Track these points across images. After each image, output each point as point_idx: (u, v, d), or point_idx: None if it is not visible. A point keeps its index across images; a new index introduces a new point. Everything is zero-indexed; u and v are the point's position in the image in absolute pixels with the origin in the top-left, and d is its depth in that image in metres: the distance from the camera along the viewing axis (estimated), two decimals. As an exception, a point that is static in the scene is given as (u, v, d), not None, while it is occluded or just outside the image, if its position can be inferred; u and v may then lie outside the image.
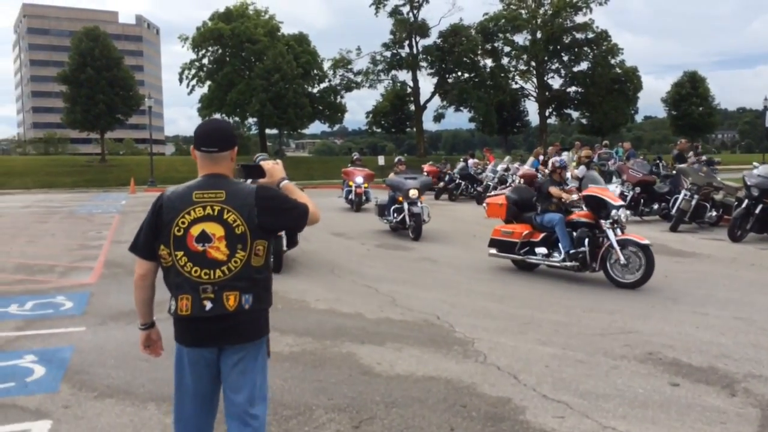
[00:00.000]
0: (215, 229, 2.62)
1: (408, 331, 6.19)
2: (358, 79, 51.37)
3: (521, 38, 52.79)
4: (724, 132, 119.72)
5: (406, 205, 13.16)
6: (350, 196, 18.86)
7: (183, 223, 2.63)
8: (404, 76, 52.41)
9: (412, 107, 52.88)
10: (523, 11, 51.83)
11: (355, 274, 9.13)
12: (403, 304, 7.21)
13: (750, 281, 8.51)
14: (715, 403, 4.40)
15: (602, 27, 53.03)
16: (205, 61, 48.45)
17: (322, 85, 51.75)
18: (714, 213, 13.89)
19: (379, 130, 58.10)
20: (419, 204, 13.06)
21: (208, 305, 2.60)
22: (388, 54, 50.54)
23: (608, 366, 5.15)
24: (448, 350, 5.58)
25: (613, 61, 53.45)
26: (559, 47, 52.57)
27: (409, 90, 52.16)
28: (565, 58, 53.71)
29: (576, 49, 52.86)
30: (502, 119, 55.32)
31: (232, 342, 2.67)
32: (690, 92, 60.70)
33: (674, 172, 14.59)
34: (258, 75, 45.17)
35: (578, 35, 52.42)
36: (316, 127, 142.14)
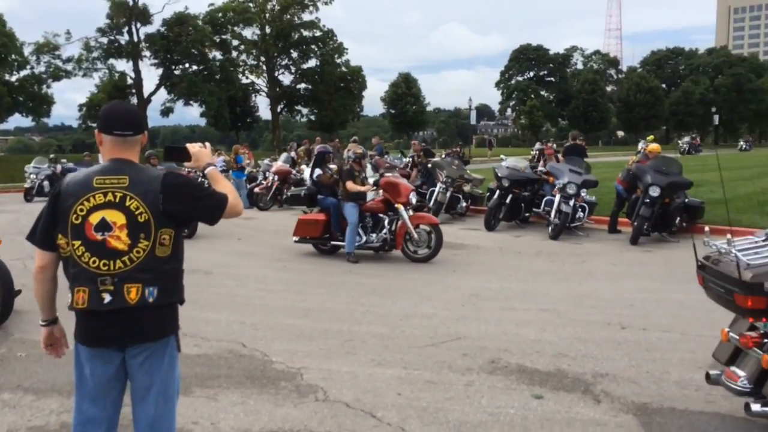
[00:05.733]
0: (116, 217, 2.44)
1: (214, 369, 4.96)
2: (69, 67, 45.62)
3: (250, 32, 51.92)
4: (424, 130, 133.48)
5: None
6: (382, 233, 9.58)
7: (81, 210, 2.44)
8: (124, 65, 47.92)
9: (135, 100, 48.58)
10: (251, 4, 50.88)
11: (116, 298, 7.41)
12: (193, 332, 5.88)
13: (529, 270, 8.82)
14: (589, 414, 4.07)
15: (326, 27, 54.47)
16: None
17: (23, 73, 44.92)
18: (464, 204, 14.61)
19: (95, 126, 52.35)
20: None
21: (107, 298, 2.42)
22: (104, 40, 45.65)
23: (462, 384, 4.59)
24: (276, 389, 4.52)
25: (339, 60, 55.40)
26: (288, 43, 52.80)
27: (130, 81, 47.80)
28: (295, 55, 54.21)
29: (304, 47, 53.65)
30: (234, 114, 53.85)
31: (135, 342, 2.49)
32: (405, 92, 65.88)
33: (429, 165, 15.03)
34: (-64, 56, 37.39)
35: (306, 33, 53.26)
36: (14, 121, 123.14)
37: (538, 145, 19.52)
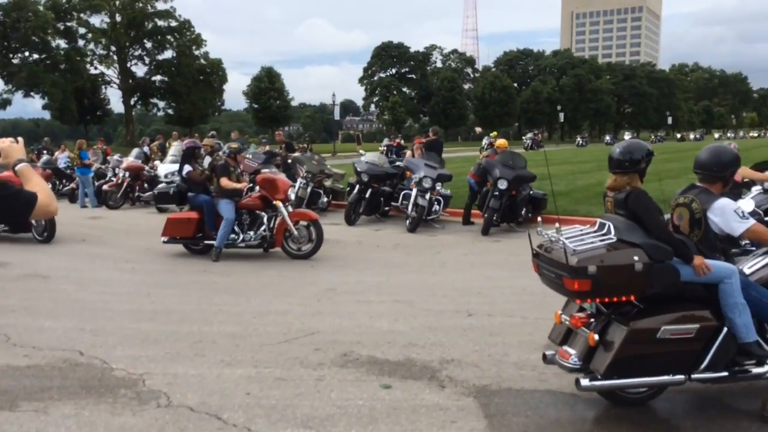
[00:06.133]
0: None
1: (46, 380, 4.59)
2: None
3: (99, 20, 48.74)
4: (289, 125, 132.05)
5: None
6: (260, 230, 9.28)
7: None
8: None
9: (-34, 90, 44.08)
10: (99, -10, 47.80)
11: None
12: (24, 342, 5.41)
13: (386, 263, 8.99)
14: (434, 399, 4.21)
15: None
16: None
17: None
18: (325, 199, 14.62)
19: None
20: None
21: None
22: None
23: (313, 379, 4.58)
24: (115, 398, 4.26)
25: (197, 52, 53.47)
26: (141, 33, 50.16)
27: (-41, 69, 43.26)
28: (149, 45, 51.65)
29: (159, 37, 51.25)
30: (82, 107, 50.31)
31: None
32: (269, 86, 64.91)
33: (289, 161, 14.88)
34: None
35: (161, 22, 50.90)
36: None
37: (386, 141, 20.08)
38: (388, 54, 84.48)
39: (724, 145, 4.25)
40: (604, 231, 3.87)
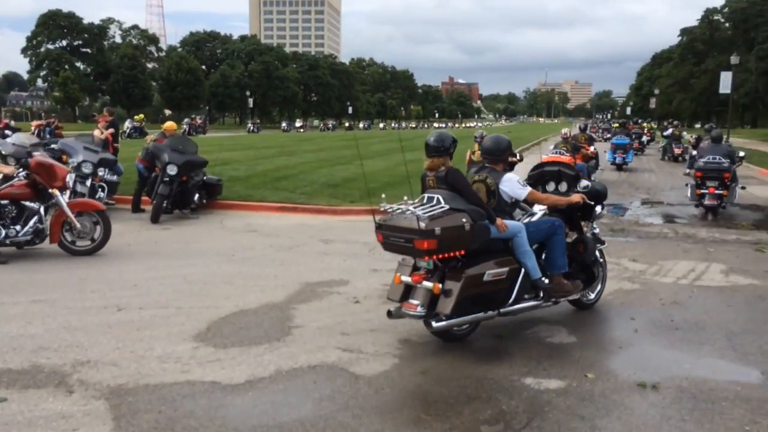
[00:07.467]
0: None
1: None
2: None
3: None
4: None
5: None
6: (30, 223, 7.99)
7: None
8: None
9: None
10: None
11: None
12: None
13: (29, 258, 7.96)
14: (57, 408, 3.82)
15: None
16: None
17: None
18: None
19: None
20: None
21: None
22: None
23: None
24: None
25: None
26: None
27: None
28: None
29: None
30: None
31: None
32: None
33: None
34: None
35: None
36: None
37: (34, 122, 18.47)
38: (56, 23, 75.55)
39: (502, 136, 5.53)
40: (434, 202, 4.76)
